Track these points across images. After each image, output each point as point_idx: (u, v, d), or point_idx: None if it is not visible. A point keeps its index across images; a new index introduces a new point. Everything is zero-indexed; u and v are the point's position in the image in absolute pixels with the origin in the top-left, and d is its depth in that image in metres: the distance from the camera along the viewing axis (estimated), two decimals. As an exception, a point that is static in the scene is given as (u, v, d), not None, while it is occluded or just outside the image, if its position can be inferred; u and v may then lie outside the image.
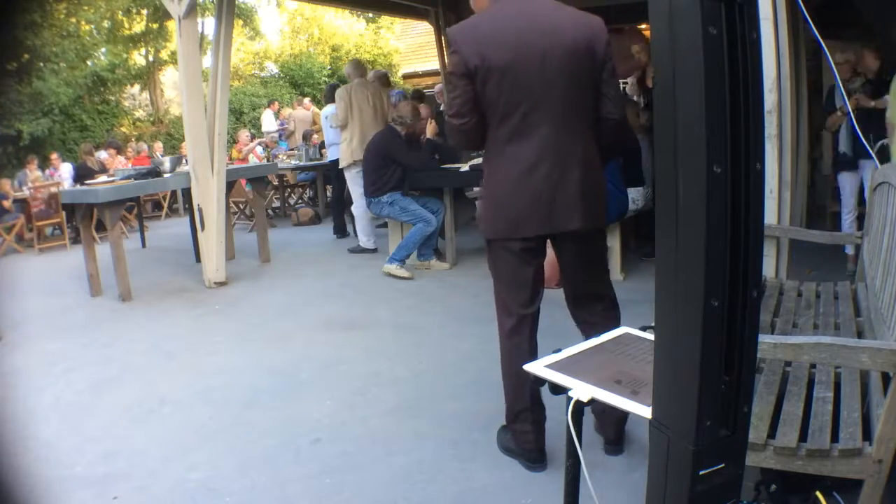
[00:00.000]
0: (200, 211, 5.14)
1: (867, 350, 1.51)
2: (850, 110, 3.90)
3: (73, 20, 14.53)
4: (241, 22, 16.49)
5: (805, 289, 2.84)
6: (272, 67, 18.74)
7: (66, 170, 9.59)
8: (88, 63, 14.62)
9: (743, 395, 0.95)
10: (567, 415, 1.32)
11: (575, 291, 2.29)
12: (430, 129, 5.48)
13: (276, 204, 9.33)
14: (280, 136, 11.39)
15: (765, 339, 1.56)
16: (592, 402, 1.30)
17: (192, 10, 4.96)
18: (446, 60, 2.30)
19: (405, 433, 2.66)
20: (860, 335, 2.30)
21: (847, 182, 4.48)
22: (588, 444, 2.22)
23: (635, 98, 6.31)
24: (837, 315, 2.53)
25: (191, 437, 2.76)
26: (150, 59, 15.77)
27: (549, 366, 1.43)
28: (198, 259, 5.67)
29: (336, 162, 6.35)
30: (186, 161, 5.65)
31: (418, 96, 7.55)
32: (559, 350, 1.51)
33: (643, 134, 4.93)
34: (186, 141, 5.27)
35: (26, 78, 12.57)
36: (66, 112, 13.45)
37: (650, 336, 1.28)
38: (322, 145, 8.41)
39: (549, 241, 2.22)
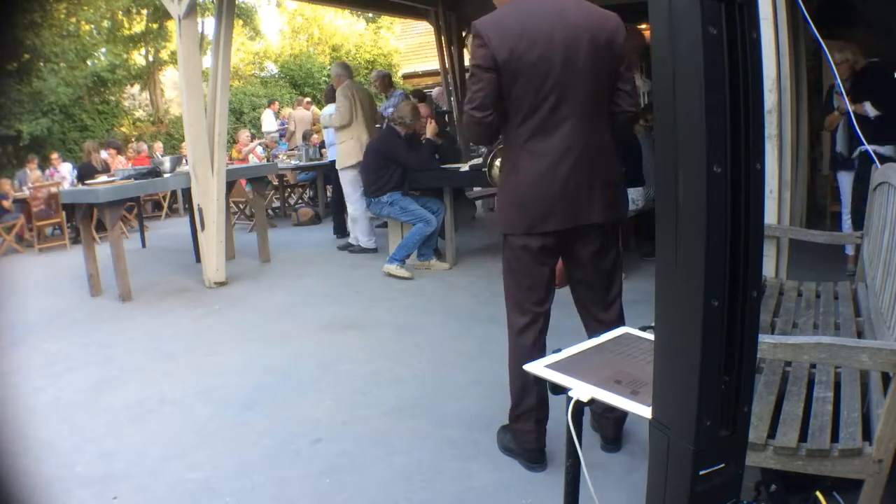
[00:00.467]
0: (200, 211, 5.14)
1: (867, 350, 1.51)
2: (850, 111, 3.90)
3: (73, 20, 14.53)
4: (241, 22, 16.50)
5: (805, 289, 2.84)
6: (272, 67, 18.75)
7: (66, 169, 9.60)
8: (88, 63, 14.61)
9: (743, 395, 0.95)
10: (567, 415, 1.32)
11: (586, 289, 2.27)
12: (430, 129, 5.48)
13: (276, 204, 9.33)
14: (280, 135, 11.39)
15: (765, 339, 1.56)
16: (592, 401, 1.30)
17: (192, 10, 4.96)
18: (470, 53, 2.28)
19: (405, 433, 2.66)
20: (860, 335, 2.30)
21: (846, 181, 4.48)
22: (588, 444, 2.23)
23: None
24: (837, 315, 2.53)
25: (191, 437, 2.76)
26: (150, 59, 15.77)
27: (549, 366, 1.43)
28: (198, 259, 5.67)
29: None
30: (186, 161, 5.64)
31: (419, 96, 7.56)
32: (559, 350, 1.51)
33: (643, 134, 4.93)
34: (186, 141, 5.27)
35: (26, 78, 12.57)
36: (66, 112, 13.45)
37: (650, 336, 1.28)
38: (322, 145, 8.41)
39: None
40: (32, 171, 8.87)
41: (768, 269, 2.91)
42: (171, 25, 12.08)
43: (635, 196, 4.71)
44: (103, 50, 15.27)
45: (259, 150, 10.04)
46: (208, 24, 10.75)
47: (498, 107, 2.06)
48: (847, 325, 2.41)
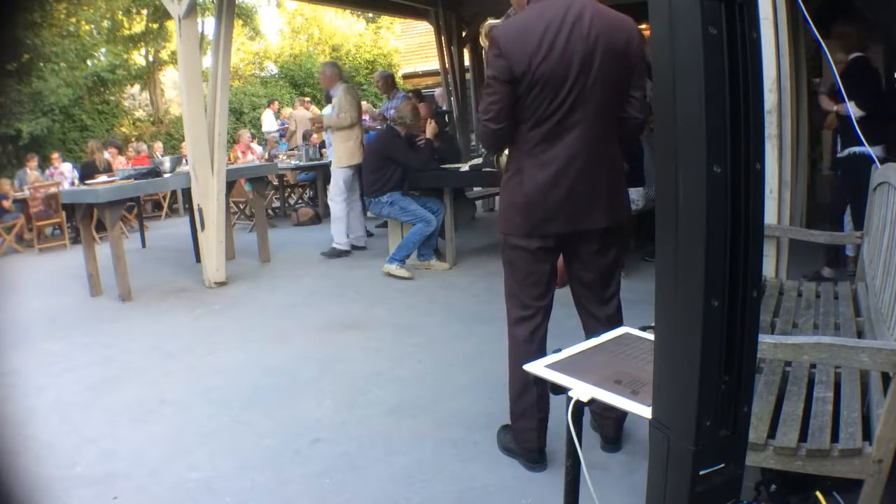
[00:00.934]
0: (200, 211, 5.14)
1: (867, 350, 1.51)
2: (835, 110, 3.89)
3: (73, 20, 14.55)
4: (241, 22, 16.52)
5: (805, 289, 2.84)
6: (272, 67, 18.76)
7: (66, 169, 9.59)
8: (88, 63, 14.63)
9: (743, 395, 0.95)
10: (567, 415, 1.32)
11: (584, 285, 2.27)
12: (430, 130, 5.48)
13: (276, 204, 9.33)
14: (280, 135, 11.39)
15: (765, 339, 1.56)
16: (592, 401, 1.30)
17: (192, 10, 4.96)
18: (487, 61, 2.26)
19: (405, 433, 2.66)
20: (860, 335, 2.30)
21: None
22: (588, 444, 2.23)
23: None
24: (837, 315, 2.53)
25: (191, 437, 2.76)
26: (150, 59, 15.78)
27: (549, 366, 1.43)
28: (198, 259, 5.67)
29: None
30: (186, 161, 5.64)
31: (419, 96, 7.55)
32: (559, 350, 1.51)
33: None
34: (186, 141, 5.27)
35: (26, 78, 12.59)
36: (66, 112, 13.47)
37: (650, 336, 1.28)
38: (322, 145, 8.40)
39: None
40: (32, 171, 8.87)
41: (768, 269, 2.91)
42: (171, 25, 12.07)
43: (635, 196, 4.71)
44: (103, 50, 15.30)
45: (259, 149, 10.01)
46: (208, 24, 10.76)
47: (512, 116, 2.06)
48: (847, 325, 2.41)
